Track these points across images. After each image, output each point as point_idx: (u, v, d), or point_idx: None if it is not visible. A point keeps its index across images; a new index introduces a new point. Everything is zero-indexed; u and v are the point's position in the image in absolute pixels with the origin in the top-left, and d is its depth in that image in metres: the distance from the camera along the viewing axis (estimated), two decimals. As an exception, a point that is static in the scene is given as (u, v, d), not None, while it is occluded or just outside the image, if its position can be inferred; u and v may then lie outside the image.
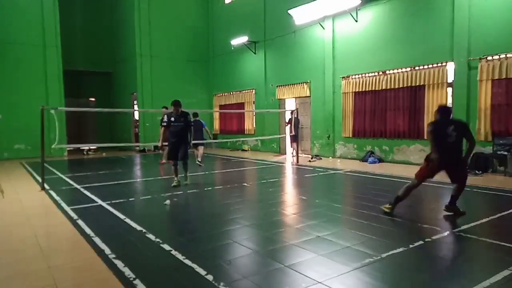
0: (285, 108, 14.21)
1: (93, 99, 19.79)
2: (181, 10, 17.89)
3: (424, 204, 6.10)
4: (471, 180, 7.67)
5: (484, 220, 4.75)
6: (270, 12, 14.92)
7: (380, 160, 10.92)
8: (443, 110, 5.14)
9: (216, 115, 18.46)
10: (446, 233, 4.16)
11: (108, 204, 5.86)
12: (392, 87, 10.62)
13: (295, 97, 14.11)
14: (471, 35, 8.88)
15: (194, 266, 3.30)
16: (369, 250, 3.62)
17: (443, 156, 4.79)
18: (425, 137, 5.23)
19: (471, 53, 8.89)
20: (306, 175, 9.08)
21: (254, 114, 16.14)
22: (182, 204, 6.02)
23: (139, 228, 4.51)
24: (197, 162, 10.28)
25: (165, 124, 7.71)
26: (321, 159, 12.18)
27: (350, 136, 12.01)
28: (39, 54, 14.36)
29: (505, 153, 8.17)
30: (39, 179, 7.78)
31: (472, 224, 4.53)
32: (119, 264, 3.37)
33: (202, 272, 3.17)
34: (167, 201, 5.95)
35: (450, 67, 9.37)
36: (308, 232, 4.24)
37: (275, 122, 15.16)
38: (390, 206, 4.99)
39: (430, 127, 5.04)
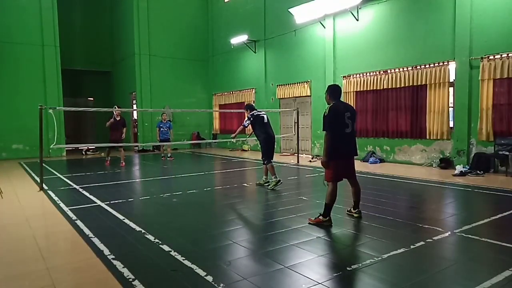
0: (285, 108, 14.17)
1: (92, 98, 19.77)
2: (181, 8, 17.85)
3: (425, 205, 6.07)
4: (472, 180, 7.66)
5: (485, 221, 4.72)
6: (270, 10, 14.88)
7: (381, 160, 10.89)
8: (337, 90, 4.65)
9: (216, 115, 18.43)
10: (447, 234, 4.13)
11: (107, 204, 5.83)
12: (394, 86, 10.58)
13: (296, 97, 14.07)
14: (473, 34, 8.84)
15: (194, 267, 3.27)
16: (370, 251, 3.59)
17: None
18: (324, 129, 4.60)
19: (472, 53, 8.86)
20: (306, 176, 9.05)
21: (254, 113, 16.08)
22: (182, 205, 5.98)
23: (138, 228, 4.48)
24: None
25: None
26: (321, 159, 12.13)
27: (351, 135, 11.95)
28: (37, 54, 14.31)
29: (507, 153, 8.14)
30: (38, 179, 7.75)
31: (474, 225, 4.50)
32: (118, 264, 3.34)
33: (202, 273, 3.14)
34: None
35: (452, 66, 9.34)
36: (309, 233, 4.21)
37: (275, 121, 15.12)
38: None
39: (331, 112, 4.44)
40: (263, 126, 7.10)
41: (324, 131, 4.54)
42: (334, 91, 4.71)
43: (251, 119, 7.13)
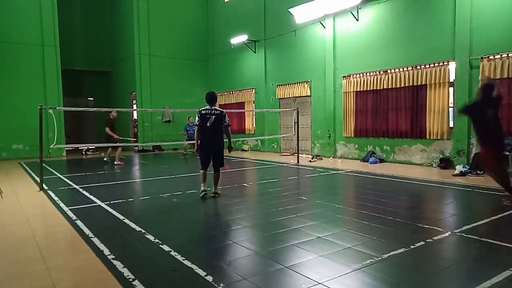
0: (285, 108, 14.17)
1: (92, 98, 19.76)
2: (181, 9, 17.85)
3: (425, 205, 6.07)
4: (472, 180, 7.67)
5: (485, 221, 4.72)
6: (270, 10, 14.88)
7: (381, 160, 10.89)
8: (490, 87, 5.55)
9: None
10: (447, 234, 4.13)
11: (107, 204, 5.83)
12: (394, 86, 10.58)
13: (296, 97, 14.08)
14: (473, 34, 8.84)
15: (194, 267, 3.27)
16: (370, 251, 3.59)
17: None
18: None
19: (472, 52, 8.86)
20: (306, 175, 9.05)
21: (254, 113, 16.10)
22: (182, 205, 5.98)
23: (138, 228, 4.48)
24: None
25: None
26: (321, 159, 12.15)
27: (351, 136, 11.97)
28: (37, 54, 14.31)
29: (507, 153, 8.12)
30: (38, 179, 7.75)
31: (474, 225, 4.50)
32: (118, 264, 3.34)
33: (202, 273, 3.14)
34: None
35: (452, 66, 9.34)
36: (309, 233, 4.21)
37: (275, 121, 15.13)
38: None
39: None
40: (204, 129, 6.05)
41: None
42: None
43: (200, 118, 6.08)
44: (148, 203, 6.21)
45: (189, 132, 13.29)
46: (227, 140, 6.39)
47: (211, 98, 6.15)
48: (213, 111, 6.04)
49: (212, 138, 6.09)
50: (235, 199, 6.28)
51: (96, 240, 4.04)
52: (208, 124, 6.00)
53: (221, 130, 6.14)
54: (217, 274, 3.14)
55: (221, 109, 6.23)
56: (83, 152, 15.28)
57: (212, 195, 6.21)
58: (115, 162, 11.27)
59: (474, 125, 5.80)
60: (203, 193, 6.16)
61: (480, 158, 5.68)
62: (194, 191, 6.91)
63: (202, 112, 6.07)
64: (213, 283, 2.95)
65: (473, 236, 4.06)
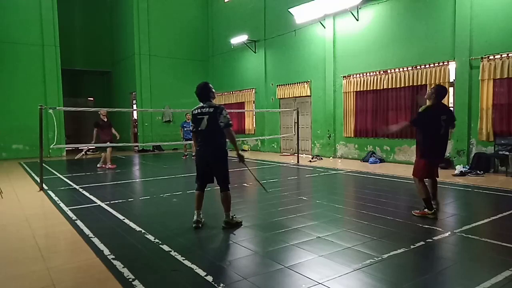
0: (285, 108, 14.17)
1: (92, 98, 19.77)
2: (181, 9, 17.86)
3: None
4: (473, 180, 7.67)
5: (485, 221, 4.72)
6: (270, 10, 14.88)
7: (381, 160, 10.89)
8: (442, 93, 4.82)
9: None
10: (447, 234, 4.13)
11: (107, 204, 5.83)
12: (394, 86, 10.58)
13: (296, 97, 14.07)
14: (473, 34, 8.84)
15: (194, 267, 3.27)
16: (370, 251, 3.59)
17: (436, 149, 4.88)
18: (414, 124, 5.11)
19: (472, 52, 8.86)
20: (306, 175, 9.05)
21: (254, 113, 16.10)
22: (182, 205, 5.99)
23: (138, 228, 4.49)
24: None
25: None
26: (321, 159, 12.15)
27: (351, 136, 11.97)
28: (37, 54, 14.32)
29: (507, 153, 8.14)
30: (38, 179, 7.75)
31: (474, 225, 4.50)
32: (118, 264, 3.34)
33: (202, 273, 3.14)
34: None
35: (452, 66, 9.34)
36: (309, 233, 4.21)
37: (275, 121, 15.13)
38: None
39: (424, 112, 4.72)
40: (198, 135, 4.55)
41: (415, 127, 5.04)
42: (439, 93, 4.85)
43: (192, 121, 4.62)
44: (148, 203, 6.21)
45: (185, 128, 12.96)
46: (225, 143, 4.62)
47: (202, 91, 4.54)
48: (204, 110, 4.42)
49: (206, 146, 4.44)
50: (235, 199, 6.25)
51: (96, 240, 4.04)
52: (201, 128, 4.41)
53: (219, 134, 4.40)
54: (217, 274, 3.14)
55: (217, 105, 4.51)
56: (83, 152, 15.25)
57: (223, 225, 4.48)
58: (100, 165, 10.54)
59: (426, 133, 4.90)
60: (195, 224, 4.53)
61: (418, 169, 4.88)
62: (194, 191, 6.90)
63: (194, 112, 4.56)
64: (213, 283, 2.95)
65: (473, 236, 4.06)
